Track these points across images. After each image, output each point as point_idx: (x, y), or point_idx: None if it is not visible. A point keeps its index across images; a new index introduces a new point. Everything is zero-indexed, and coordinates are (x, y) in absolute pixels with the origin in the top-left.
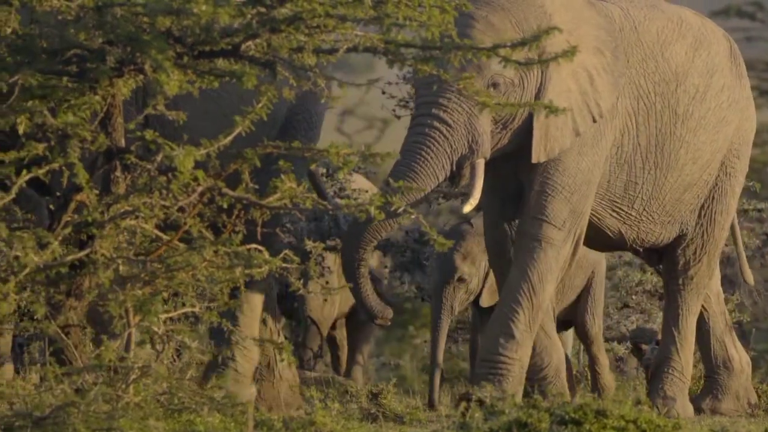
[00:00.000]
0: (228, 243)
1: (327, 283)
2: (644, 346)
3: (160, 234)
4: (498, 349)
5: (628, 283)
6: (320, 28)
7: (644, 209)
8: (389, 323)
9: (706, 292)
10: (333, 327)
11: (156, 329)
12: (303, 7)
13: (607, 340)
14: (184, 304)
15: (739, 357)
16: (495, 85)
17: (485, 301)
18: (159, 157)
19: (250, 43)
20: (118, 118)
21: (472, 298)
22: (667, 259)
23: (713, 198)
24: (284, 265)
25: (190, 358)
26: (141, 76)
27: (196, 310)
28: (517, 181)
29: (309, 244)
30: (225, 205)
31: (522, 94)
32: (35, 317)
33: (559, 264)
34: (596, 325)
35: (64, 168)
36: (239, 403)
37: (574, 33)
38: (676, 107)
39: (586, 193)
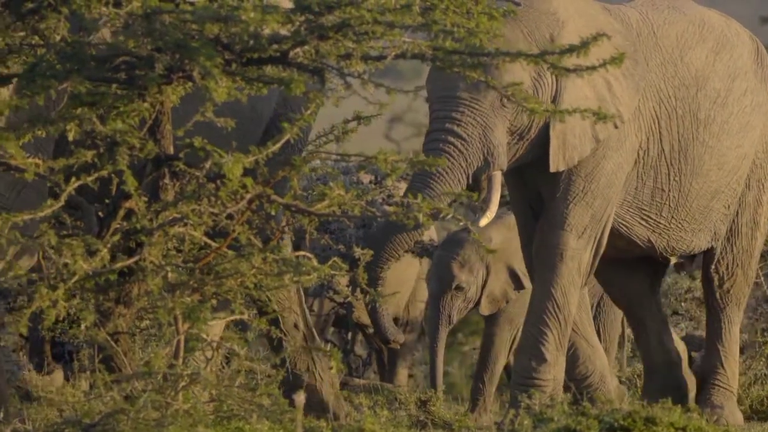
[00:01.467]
0: (276, 250)
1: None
2: (694, 353)
3: (209, 241)
4: (531, 374)
5: (678, 290)
6: (368, 34)
7: (672, 217)
8: (399, 347)
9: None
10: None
11: (204, 336)
12: (351, 14)
13: None
14: (232, 312)
15: (676, 348)
16: (508, 98)
17: (484, 309)
18: (208, 165)
19: (298, 49)
20: (166, 125)
21: (471, 306)
22: (703, 276)
23: (737, 212)
24: (333, 272)
25: (238, 365)
26: (189, 84)
27: (245, 317)
28: (537, 191)
29: (358, 252)
30: (273, 212)
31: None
32: (84, 324)
33: (582, 272)
34: (606, 338)
35: (113, 175)
36: (288, 410)
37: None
38: (698, 112)
39: (609, 196)
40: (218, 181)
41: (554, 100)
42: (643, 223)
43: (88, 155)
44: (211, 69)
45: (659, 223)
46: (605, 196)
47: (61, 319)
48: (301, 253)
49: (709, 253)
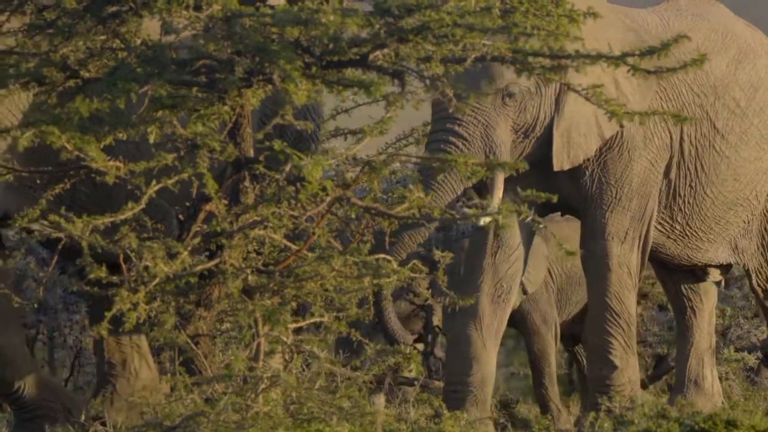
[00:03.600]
0: (356, 252)
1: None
2: None
3: (289, 244)
4: (605, 382)
5: None
6: (448, 37)
7: (687, 223)
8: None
9: (701, 306)
10: None
11: (285, 339)
12: (431, 17)
13: (737, 349)
14: (312, 314)
15: (712, 380)
16: (510, 95)
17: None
18: (287, 167)
19: (378, 52)
20: (246, 128)
21: None
22: (754, 295)
23: (766, 228)
24: (412, 275)
25: (318, 368)
26: (269, 86)
27: (325, 320)
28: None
29: (437, 254)
30: (353, 215)
31: (540, 101)
32: (165, 327)
33: (632, 273)
34: None
35: (193, 178)
36: (368, 413)
37: (600, 37)
38: (715, 121)
39: (646, 193)
40: (298, 184)
41: (558, 100)
42: (658, 227)
43: (169, 158)
44: (291, 72)
45: (674, 228)
46: (642, 195)
47: (141, 321)
48: (381, 255)
49: (748, 272)
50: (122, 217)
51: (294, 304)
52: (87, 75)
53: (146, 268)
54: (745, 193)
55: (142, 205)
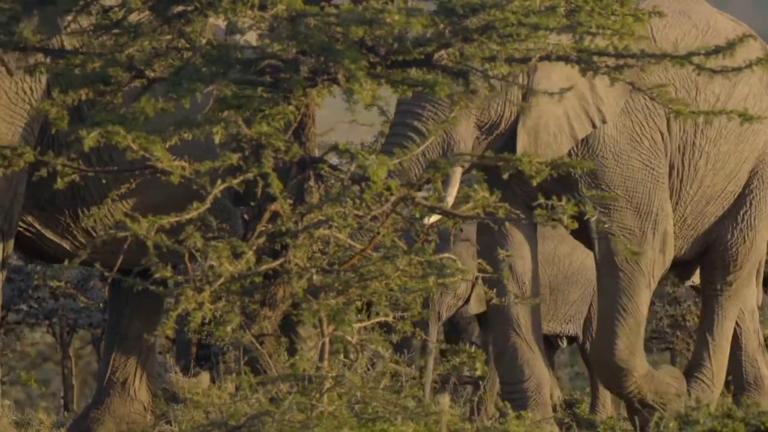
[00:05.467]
0: (421, 252)
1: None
2: None
3: (354, 243)
4: (617, 390)
5: None
6: (512, 36)
7: None
8: None
9: (741, 308)
10: None
11: (349, 339)
12: (495, 17)
13: None
14: (377, 314)
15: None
16: (474, 92)
17: (473, 308)
18: (352, 167)
19: (442, 52)
20: (311, 128)
21: (460, 303)
22: (706, 265)
23: (751, 205)
24: (477, 274)
25: (383, 367)
26: (334, 86)
27: (390, 319)
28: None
29: (502, 253)
30: (418, 214)
31: (505, 99)
32: (230, 327)
33: (645, 271)
34: None
35: (258, 178)
36: (433, 412)
37: None
38: (697, 117)
39: (650, 188)
40: (363, 184)
41: (524, 99)
42: None
43: (234, 158)
44: (356, 72)
45: None
46: (643, 192)
47: (206, 321)
48: (446, 255)
49: (715, 244)
50: (187, 216)
51: (359, 303)
52: (152, 75)
53: (211, 267)
54: (724, 184)
55: (207, 205)
